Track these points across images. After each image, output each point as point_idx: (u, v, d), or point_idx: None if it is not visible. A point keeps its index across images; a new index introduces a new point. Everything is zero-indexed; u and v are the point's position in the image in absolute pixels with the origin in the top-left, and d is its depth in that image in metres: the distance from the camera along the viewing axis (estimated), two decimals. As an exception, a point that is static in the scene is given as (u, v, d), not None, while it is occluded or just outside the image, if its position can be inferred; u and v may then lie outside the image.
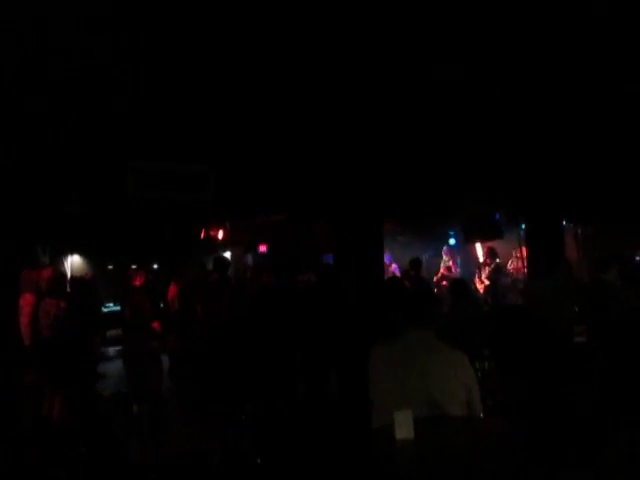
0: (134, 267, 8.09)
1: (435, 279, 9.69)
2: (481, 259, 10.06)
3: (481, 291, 8.74)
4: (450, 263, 9.96)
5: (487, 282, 8.62)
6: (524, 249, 8.76)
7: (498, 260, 9.02)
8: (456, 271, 10.06)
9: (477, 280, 9.02)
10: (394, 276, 7.30)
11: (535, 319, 5.24)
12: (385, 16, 3.75)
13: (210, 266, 8.99)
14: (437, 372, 2.42)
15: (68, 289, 5.74)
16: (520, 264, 9.09)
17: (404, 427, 2.15)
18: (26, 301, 4.87)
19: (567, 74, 4.74)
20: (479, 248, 10.04)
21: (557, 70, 4.66)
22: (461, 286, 5.38)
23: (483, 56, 4.40)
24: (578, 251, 8.97)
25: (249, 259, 12.51)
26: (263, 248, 11.99)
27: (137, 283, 6.02)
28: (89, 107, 4.93)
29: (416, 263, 6.84)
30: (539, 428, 2.45)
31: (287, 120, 5.46)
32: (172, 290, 7.38)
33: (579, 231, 9.04)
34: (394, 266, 9.90)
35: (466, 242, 9.40)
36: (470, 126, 5.86)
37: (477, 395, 2.51)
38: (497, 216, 8.11)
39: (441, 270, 9.93)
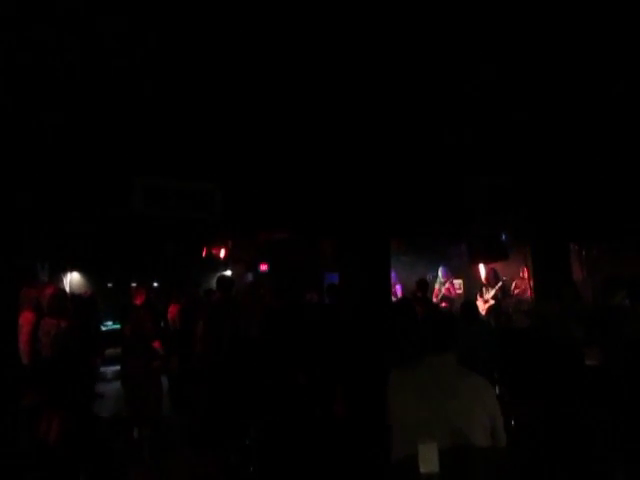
0: (134, 285, 7.98)
1: (435, 300, 9.57)
2: (485, 281, 9.97)
3: (483, 312, 8.62)
4: (448, 284, 9.85)
5: (492, 302, 8.50)
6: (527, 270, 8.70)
7: (505, 278, 8.91)
8: (455, 292, 9.96)
9: (480, 300, 8.90)
10: (405, 298, 7.18)
11: (545, 342, 5.14)
12: (390, 49, 3.75)
13: (212, 285, 8.89)
14: (461, 400, 2.32)
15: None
16: (525, 285, 9.00)
17: (429, 460, 2.03)
18: (26, 319, 4.76)
19: (571, 99, 4.74)
20: (482, 269, 9.95)
21: (561, 95, 4.67)
22: (472, 309, 5.28)
23: (489, 82, 4.40)
24: (583, 272, 8.89)
25: (250, 278, 12.40)
26: (264, 267, 11.89)
27: (138, 301, 5.92)
28: (94, 122, 4.88)
29: (423, 284, 6.73)
30: (555, 454, 2.36)
31: (291, 137, 5.43)
32: (172, 309, 7.26)
33: (583, 252, 8.97)
34: (398, 286, 9.79)
35: (471, 263, 9.30)
36: (477, 147, 5.85)
37: (501, 423, 2.40)
38: (503, 237, 8.02)
39: (442, 291, 9.81)
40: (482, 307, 8.55)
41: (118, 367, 6.05)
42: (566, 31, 3.62)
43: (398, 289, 9.73)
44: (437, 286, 9.88)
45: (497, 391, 5.00)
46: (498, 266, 9.18)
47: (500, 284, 8.70)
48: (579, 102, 4.82)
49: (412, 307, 5.18)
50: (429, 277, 9.70)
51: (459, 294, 10.19)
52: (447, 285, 9.76)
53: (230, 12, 3.30)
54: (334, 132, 5.38)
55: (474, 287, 10.24)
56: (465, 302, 6.36)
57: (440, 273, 9.96)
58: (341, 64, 4.03)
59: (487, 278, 8.92)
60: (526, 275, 8.70)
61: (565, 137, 5.58)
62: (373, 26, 3.54)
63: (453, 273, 10.31)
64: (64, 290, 5.49)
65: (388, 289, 7.26)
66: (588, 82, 4.46)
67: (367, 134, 5.45)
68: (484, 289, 8.95)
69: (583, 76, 4.35)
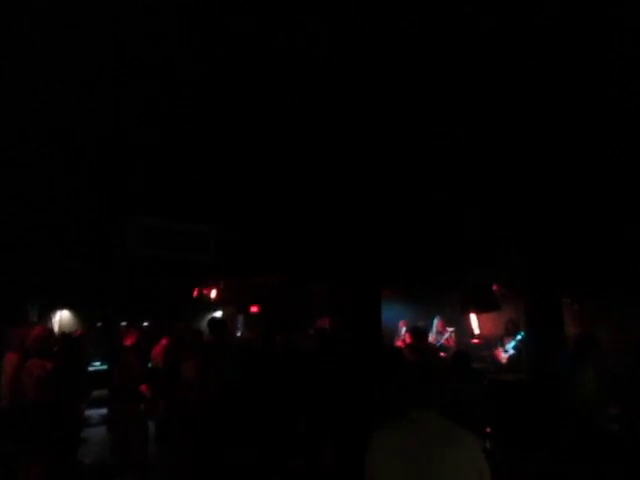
0: (124, 324, 7.87)
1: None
2: (476, 330, 9.92)
3: (504, 361, 8.45)
4: (447, 334, 9.75)
5: (512, 352, 8.32)
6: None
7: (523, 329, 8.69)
8: (453, 342, 9.87)
9: (500, 349, 8.68)
10: (393, 347, 7.12)
11: (543, 396, 5.03)
12: (380, 89, 3.85)
13: (201, 325, 8.80)
14: (448, 459, 2.25)
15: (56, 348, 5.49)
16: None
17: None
18: (9, 361, 4.67)
19: (561, 149, 4.84)
20: (474, 319, 9.93)
21: (552, 145, 4.77)
22: (464, 359, 5.23)
23: (484, 127, 4.47)
24: (576, 326, 8.84)
25: (240, 320, 12.31)
26: (255, 308, 11.83)
27: (128, 342, 5.81)
28: (91, 163, 4.92)
29: (419, 332, 6.61)
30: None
31: (287, 184, 5.48)
32: (158, 348, 7.10)
33: (576, 306, 8.95)
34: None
35: (462, 313, 9.31)
36: (469, 199, 5.92)
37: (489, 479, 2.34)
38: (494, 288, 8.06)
39: (442, 341, 9.70)
40: (502, 357, 8.40)
41: (104, 410, 5.90)
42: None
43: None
44: (433, 336, 9.80)
45: (488, 446, 4.92)
46: (489, 318, 9.15)
47: (521, 335, 8.48)
48: (572, 158, 4.92)
49: (400, 356, 5.10)
50: (420, 325, 9.65)
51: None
52: (446, 336, 9.67)
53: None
54: (329, 181, 5.45)
55: (464, 336, 10.19)
56: (457, 352, 6.31)
57: (436, 322, 9.90)
58: (334, 113, 4.12)
59: (507, 328, 8.77)
60: (520, 327, 8.62)
61: (562, 190, 5.65)
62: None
63: (446, 322, 10.26)
64: (51, 330, 5.37)
65: (378, 336, 7.22)
66: (578, 137, 4.56)
67: (360, 185, 5.52)
68: (504, 339, 8.75)
69: (572, 132, 4.45)
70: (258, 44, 3.22)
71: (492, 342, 9.02)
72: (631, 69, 3.44)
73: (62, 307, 10.24)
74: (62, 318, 10.30)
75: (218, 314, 11.78)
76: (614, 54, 3.30)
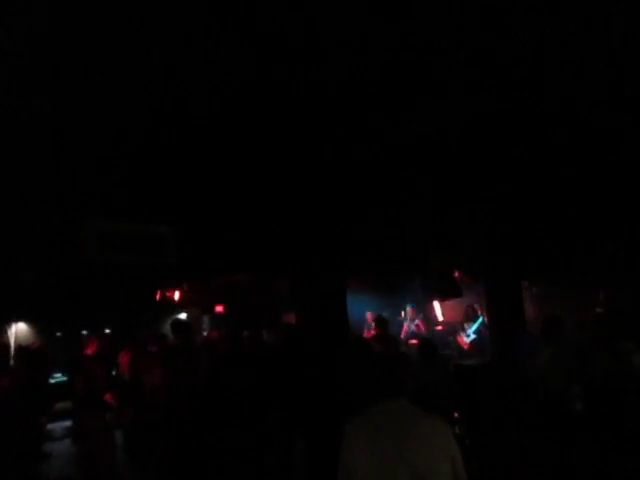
0: (85, 333, 7.66)
1: (403, 336, 9.59)
2: (440, 317, 10.10)
3: (466, 347, 8.58)
4: (418, 321, 9.86)
5: (473, 336, 8.45)
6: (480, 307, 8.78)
7: (483, 314, 8.85)
8: (424, 329, 10.00)
9: (462, 335, 8.80)
10: (359, 337, 7.14)
11: (506, 379, 5.15)
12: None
13: (165, 329, 8.63)
14: (421, 447, 2.26)
15: (13, 361, 5.29)
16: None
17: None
18: (-36, 378, 4.48)
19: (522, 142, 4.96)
20: (437, 306, 10.10)
21: (513, 139, 4.88)
22: (430, 346, 5.31)
23: (439, 118, 4.54)
24: (534, 309, 9.10)
25: (205, 320, 12.16)
26: (220, 308, 11.70)
27: (89, 351, 5.65)
28: (43, 168, 4.76)
29: (382, 321, 6.67)
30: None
31: (243, 179, 5.44)
32: (125, 357, 6.95)
33: (533, 289, 9.21)
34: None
35: (426, 300, 9.45)
36: (431, 187, 6.00)
37: (461, 463, 2.35)
38: (455, 274, 8.20)
39: (412, 328, 9.80)
40: (465, 342, 8.52)
41: (67, 423, 5.73)
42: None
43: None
44: (406, 323, 9.92)
45: (457, 431, 5.01)
46: (452, 304, 9.31)
47: (481, 320, 8.61)
48: (528, 144, 5.03)
49: (366, 346, 5.14)
50: (384, 314, 9.74)
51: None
52: (417, 322, 9.77)
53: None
54: (285, 176, 5.44)
55: (429, 323, 10.35)
56: (422, 340, 6.39)
57: (408, 310, 10.01)
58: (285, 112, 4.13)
59: (466, 313, 8.90)
60: (479, 312, 8.83)
61: (518, 176, 5.78)
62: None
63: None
64: (5, 344, 5.18)
65: (345, 328, 7.23)
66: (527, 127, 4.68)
67: (318, 175, 5.52)
68: (465, 325, 8.88)
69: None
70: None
71: (455, 328, 9.19)
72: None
73: (17, 319, 9.90)
74: (18, 331, 9.95)
75: (182, 316, 11.62)
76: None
